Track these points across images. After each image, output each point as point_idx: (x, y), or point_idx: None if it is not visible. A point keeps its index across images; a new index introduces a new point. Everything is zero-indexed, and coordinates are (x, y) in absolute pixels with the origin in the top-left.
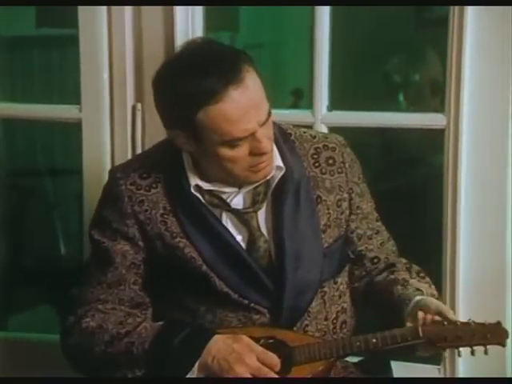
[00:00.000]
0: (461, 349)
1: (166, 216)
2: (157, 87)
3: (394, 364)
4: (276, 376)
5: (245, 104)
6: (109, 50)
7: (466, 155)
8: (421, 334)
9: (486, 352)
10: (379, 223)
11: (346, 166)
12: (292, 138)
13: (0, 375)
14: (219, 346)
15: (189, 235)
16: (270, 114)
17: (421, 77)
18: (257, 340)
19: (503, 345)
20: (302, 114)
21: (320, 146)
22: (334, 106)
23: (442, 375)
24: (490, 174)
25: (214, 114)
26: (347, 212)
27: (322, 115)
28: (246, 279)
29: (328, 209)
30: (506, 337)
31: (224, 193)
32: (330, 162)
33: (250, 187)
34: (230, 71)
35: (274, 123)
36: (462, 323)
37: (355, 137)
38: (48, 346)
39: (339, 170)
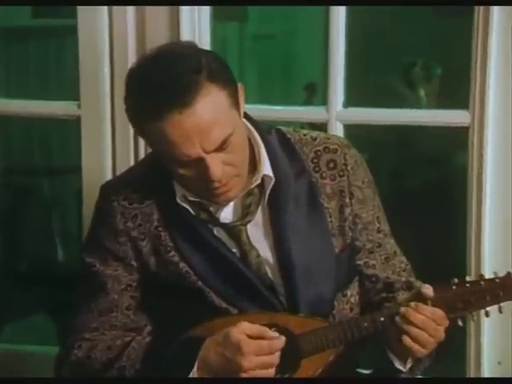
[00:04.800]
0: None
1: (160, 229)
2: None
3: None
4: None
5: (188, 129)
6: (110, 42)
7: (492, 155)
8: (430, 304)
9: (500, 310)
10: (381, 235)
11: (348, 168)
12: (291, 142)
13: None
14: (212, 355)
15: (181, 249)
16: (225, 141)
17: (443, 70)
18: None
19: None
20: (315, 111)
21: (320, 148)
22: (350, 102)
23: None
24: None
25: (156, 131)
26: (350, 218)
27: (338, 112)
28: (245, 293)
29: (330, 216)
30: None
31: (211, 205)
32: (331, 165)
33: (238, 198)
34: (178, 94)
35: (272, 129)
36: (471, 284)
37: (373, 135)
38: (43, 358)
39: (341, 173)
